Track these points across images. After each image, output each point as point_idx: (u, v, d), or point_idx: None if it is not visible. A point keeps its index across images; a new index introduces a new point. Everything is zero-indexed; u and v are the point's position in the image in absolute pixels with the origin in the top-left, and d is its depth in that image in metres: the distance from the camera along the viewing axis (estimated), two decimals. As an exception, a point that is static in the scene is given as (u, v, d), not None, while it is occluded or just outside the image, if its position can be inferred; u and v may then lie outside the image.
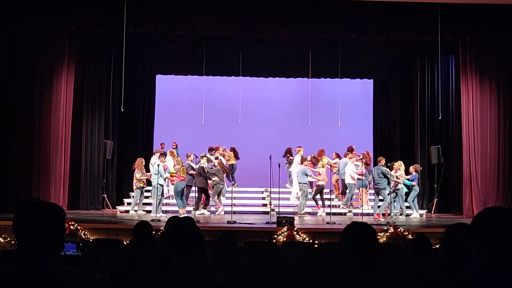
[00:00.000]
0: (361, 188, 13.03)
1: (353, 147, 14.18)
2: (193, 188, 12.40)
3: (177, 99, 16.50)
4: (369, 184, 13.03)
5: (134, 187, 13.00)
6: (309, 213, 13.10)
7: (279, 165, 11.59)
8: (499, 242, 1.90)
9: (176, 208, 12.18)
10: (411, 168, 12.47)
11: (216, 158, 13.71)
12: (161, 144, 14.81)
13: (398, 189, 11.87)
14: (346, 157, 13.79)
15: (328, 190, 13.28)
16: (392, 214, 11.51)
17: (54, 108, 12.28)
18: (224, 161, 13.51)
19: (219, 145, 14.71)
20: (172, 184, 12.40)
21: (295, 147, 14.58)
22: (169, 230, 2.30)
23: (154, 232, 5.16)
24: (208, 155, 13.47)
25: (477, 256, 1.95)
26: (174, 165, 12.34)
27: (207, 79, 15.04)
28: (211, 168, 12.79)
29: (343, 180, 13.71)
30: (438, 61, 13.68)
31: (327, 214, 12.02)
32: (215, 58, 14.55)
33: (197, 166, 12.43)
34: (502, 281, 1.85)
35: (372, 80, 16.13)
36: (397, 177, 11.85)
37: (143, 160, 13.12)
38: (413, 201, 12.49)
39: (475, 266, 1.94)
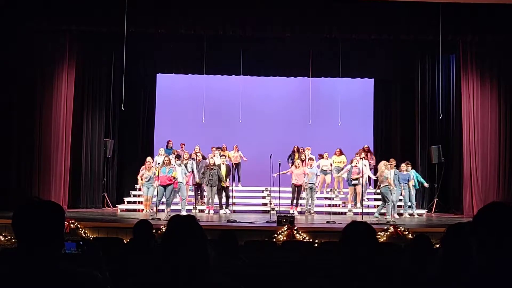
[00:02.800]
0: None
1: (368, 147, 14.34)
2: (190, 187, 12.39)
3: (177, 98, 16.50)
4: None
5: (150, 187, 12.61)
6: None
7: (279, 164, 11.59)
8: (500, 242, 1.89)
9: (177, 207, 12.16)
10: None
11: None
12: (181, 144, 14.89)
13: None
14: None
15: (329, 189, 13.33)
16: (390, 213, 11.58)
17: (54, 106, 12.28)
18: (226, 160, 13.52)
19: (225, 145, 14.70)
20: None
21: (295, 146, 14.65)
22: (171, 228, 2.30)
23: (154, 231, 5.16)
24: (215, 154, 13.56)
25: (477, 256, 1.93)
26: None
27: (208, 78, 15.04)
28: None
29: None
30: (439, 61, 13.68)
31: (327, 213, 12.03)
32: (215, 57, 14.56)
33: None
34: (503, 282, 1.84)
35: (372, 79, 16.12)
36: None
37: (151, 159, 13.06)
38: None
39: (475, 267, 1.93)
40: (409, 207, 12.46)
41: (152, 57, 15.17)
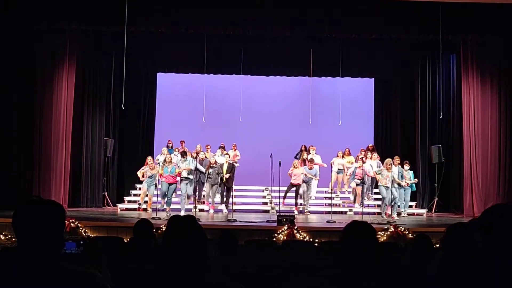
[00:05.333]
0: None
1: (373, 146, 14.38)
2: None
3: (178, 97, 16.50)
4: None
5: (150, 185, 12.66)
6: (310, 212, 13.15)
7: (279, 163, 11.58)
8: (507, 242, 1.88)
9: (177, 206, 12.17)
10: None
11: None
12: (181, 142, 14.92)
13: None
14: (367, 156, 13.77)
15: (329, 189, 13.33)
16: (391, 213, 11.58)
17: (55, 105, 12.28)
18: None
19: (223, 143, 14.68)
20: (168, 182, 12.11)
21: (296, 145, 14.64)
22: (171, 228, 2.30)
23: (154, 230, 5.15)
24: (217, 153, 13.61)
25: (483, 256, 1.93)
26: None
27: (208, 77, 15.04)
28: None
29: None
30: (439, 60, 13.66)
31: (328, 212, 12.03)
32: (216, 56, 14.56)
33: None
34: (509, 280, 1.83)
35: (373, 79, 16.12)
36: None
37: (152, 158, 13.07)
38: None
39: (483, 266, 1.92)
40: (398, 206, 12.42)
41: (153, 56, 15.17)
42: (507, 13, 11.54)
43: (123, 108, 12.64)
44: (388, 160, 11.92)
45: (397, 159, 12.12)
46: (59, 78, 12.32)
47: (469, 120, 12.65)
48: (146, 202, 12.89)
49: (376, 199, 13.73)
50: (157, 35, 13.20)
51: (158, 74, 16.03)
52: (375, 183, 13.02)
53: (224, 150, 14.22)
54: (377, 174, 12.08)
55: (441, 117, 12.82)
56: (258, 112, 16.31)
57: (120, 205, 13.59)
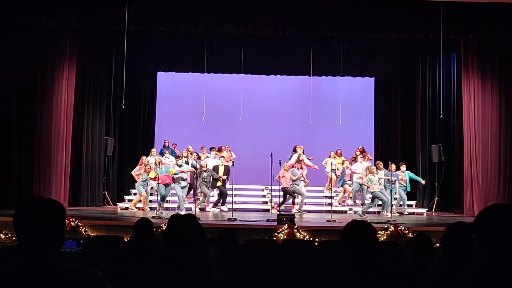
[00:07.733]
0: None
1: (363, 147, 14.33)
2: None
3: (178, 96, 16.50)
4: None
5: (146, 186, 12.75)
6: (308, 211, 13.14)
7: (280, 162, 11.59)
8: (502, 242, 1.88)
9: (175, 206, 12.19)
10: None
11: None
12: (173, 144, 14.92)
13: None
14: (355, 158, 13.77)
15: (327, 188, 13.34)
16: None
17: (55, 104, 12.29)
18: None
19: (222, 145, 14.64)
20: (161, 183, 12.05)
21: (296, 146, 14.63)
22: (172, 227, 2.30)
23: (154, 229, 5.16)
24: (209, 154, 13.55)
25: (479, 256, 1.93)
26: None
27: (209, 77, 15.04)
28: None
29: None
30: (440, 60, 13.67)
31: (328, 212, 12.03)
32: (216, 56, 14.55)
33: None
34: (503, 281, 1.83)
35: (373, 78, 16.10)
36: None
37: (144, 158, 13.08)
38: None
39: (477, 266, 1.92)
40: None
41: (153, 56, 15.16)
42: (507, 13, 11.53)
43: (123, 107, 12.64)
44: (371, 167, 11.91)
45: (379, 164, 12.32)
46: (59, 78, 12.32)
47: (469, 119, 12.65)
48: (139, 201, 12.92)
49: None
50: (157, 34, 13.20)
51: (158, 73, 16.03)
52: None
53: (220, 152, 14.16)
54: (368, 183, 11.79)
55: (441, 116, 12.82)
56: (259, 111, 16.30)
57: (120, 204, 13.60)
